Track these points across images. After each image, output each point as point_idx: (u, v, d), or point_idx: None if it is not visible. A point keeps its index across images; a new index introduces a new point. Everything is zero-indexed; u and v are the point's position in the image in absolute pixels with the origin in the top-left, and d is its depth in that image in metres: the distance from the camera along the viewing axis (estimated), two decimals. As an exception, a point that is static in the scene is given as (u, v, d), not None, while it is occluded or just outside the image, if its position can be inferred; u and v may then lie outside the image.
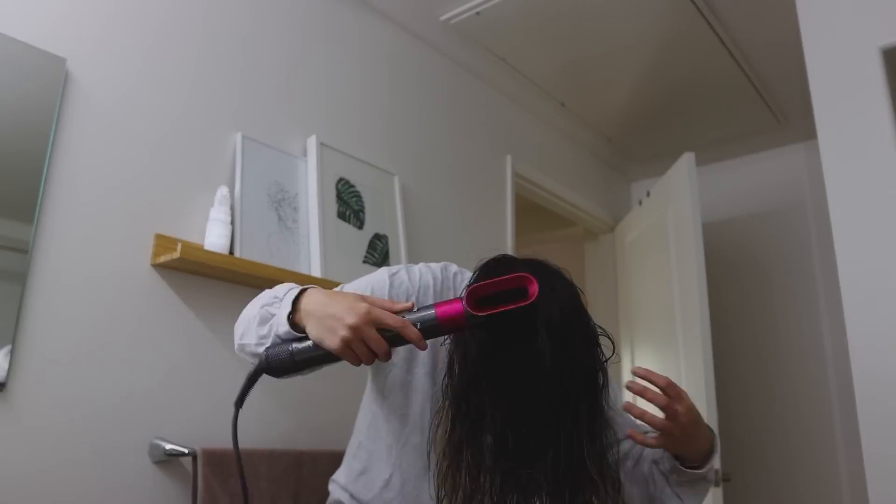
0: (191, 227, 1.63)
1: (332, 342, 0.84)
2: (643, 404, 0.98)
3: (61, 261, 1.40)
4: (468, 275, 1.12)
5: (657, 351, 2.77)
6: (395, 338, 0.85)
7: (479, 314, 0.81)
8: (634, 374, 0.95)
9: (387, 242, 2.03)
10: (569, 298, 0.91)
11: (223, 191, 1.65)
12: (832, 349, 2.81)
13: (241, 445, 1.60)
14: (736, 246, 3.17)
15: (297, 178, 1.86)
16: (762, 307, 3.04)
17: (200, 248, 1.57)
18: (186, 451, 1.46)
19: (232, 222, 1.65)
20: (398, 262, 2.04)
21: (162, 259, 1.52)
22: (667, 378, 0.96)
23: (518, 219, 2.74)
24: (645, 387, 0.94)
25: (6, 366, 1.27)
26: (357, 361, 0.86)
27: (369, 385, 1.15)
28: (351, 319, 0.83)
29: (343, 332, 0.83)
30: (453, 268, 1.13)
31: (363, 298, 0.87)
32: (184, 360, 1.57)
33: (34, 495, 1.29)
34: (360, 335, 0.83)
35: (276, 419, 1.71)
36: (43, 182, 1.38)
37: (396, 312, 0.86)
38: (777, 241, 3.07)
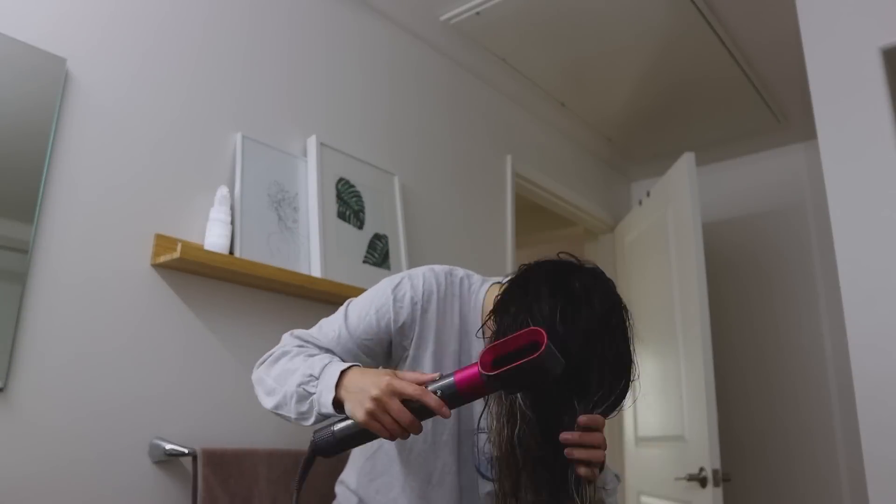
0: (191, 227, 1.63)
1: (359, 416, 0.90)
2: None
3: (61, 261, 1.40)
4: (475, 279, 1.12)
5: (657, 351, 2.77)
6: (420, 410, 0.89)
7: (494, 374, 0.83)
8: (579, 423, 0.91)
9: (387, 242, 2.03)
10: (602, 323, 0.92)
11: (223, 191, 1.65)
12: (832, 349, 2.81)
13: (240, 445, 1.60)
14: (736, 246, 3.17)
15: (297, 178, 1.86)
16: (762, 307, 3.04)
17: (200, 248, 1.57)
18: (186, 451, 1.46)
19: (232, 222, 1.65)
20: (398, 262, 2.04)
21: (162, 259, 1.52)
22: (595, 436, 0.91)
23: (518, 219, 2.74)
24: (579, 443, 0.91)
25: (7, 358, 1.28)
26: (386, 434, 0.90)
27: None
28: (374, 392, 0.88)
29: (368, 405, 0.88)
30: (459, 272, 1.13)
31: (389, 372, 0.91)
32: (184, 360, 1.57)
33: (34, 495, 1.29)
34: (382, 407, 0.88)
35: (276, 419, 1.71)
36: (43, 182, 1.38)
37: (421, 383, 0.90)
38: (777, 241, 3.07)
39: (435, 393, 0.88)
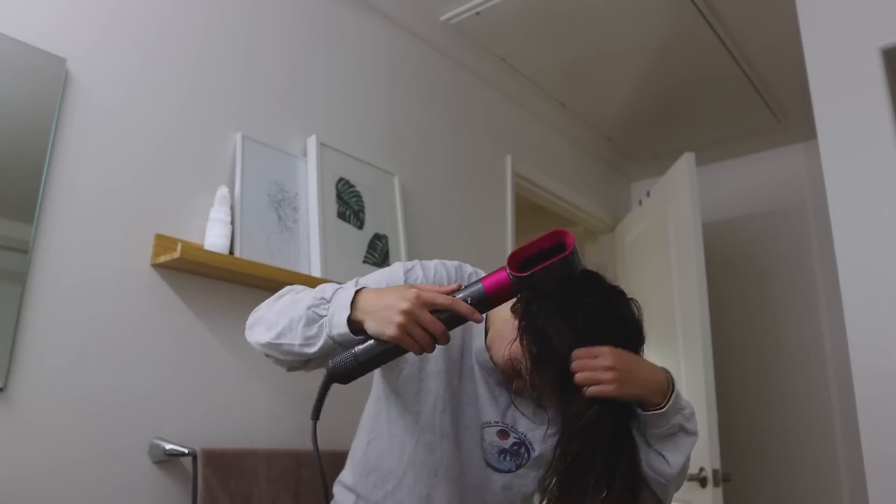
0: (191, 227, 1.63)
1: (390, 331, 0.86)
2: None
3: (61, 261, 1.40)
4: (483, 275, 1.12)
5: (657, 351, 2.76)
6: (449, 319, 0.88)
7: (524, 274, 0.85)
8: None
9: (387, 242, 2.03)
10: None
11: (223, 191, 1.65)
12: (832, 349, 2.81)
13: (240, 446, 1.60)
14: (736, 246, 3.17)
15: (297, 178, 1.86)
16: (762, 307, 3.04)
17: (200, 248, 1.57)
18: (186, 451, 1.46)
19: (232, 222, 1.65)
20: (398, 262, 2.04)
21: (162, 259, 1.52)
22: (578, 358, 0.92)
23: (518, 219, 2.74)
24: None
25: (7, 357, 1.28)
26: (417, 347, 0.88)
27: (378, 383, 1.15)
28: (403, 305, 0.86)
29: (398, 318, 0.86)
30: (468, 268, 1.14)
31: (411, 286, 0.90)
32: (184, 360, 1.57)
33: (34, 495, 1.29)
34: (414, 319, 0.86)
35: (276, 419, 1.71)
36: (43, 182, 1.38)
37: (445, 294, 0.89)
38: (777, 241, 3.07)
39: (465, 301, 0.87)
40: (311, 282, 1.72)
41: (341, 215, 1.92)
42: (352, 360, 0.90)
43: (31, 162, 1.36)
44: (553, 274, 0.85)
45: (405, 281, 1.07)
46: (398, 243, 2.07)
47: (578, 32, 2.36)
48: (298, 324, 0.95)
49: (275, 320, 0.98)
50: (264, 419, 1.69)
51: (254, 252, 1.66)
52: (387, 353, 0.90)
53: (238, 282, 1.68)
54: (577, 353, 0.91)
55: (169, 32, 1.67)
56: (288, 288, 1.05)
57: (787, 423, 2.87)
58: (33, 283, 1.35)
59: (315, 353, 0.95)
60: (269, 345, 0.99)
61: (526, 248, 0.87)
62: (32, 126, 1.38)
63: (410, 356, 1.03)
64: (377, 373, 1.14)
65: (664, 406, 0.95)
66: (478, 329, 1.08)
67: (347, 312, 0.90)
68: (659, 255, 2.76)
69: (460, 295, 0.89)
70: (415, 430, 1.06)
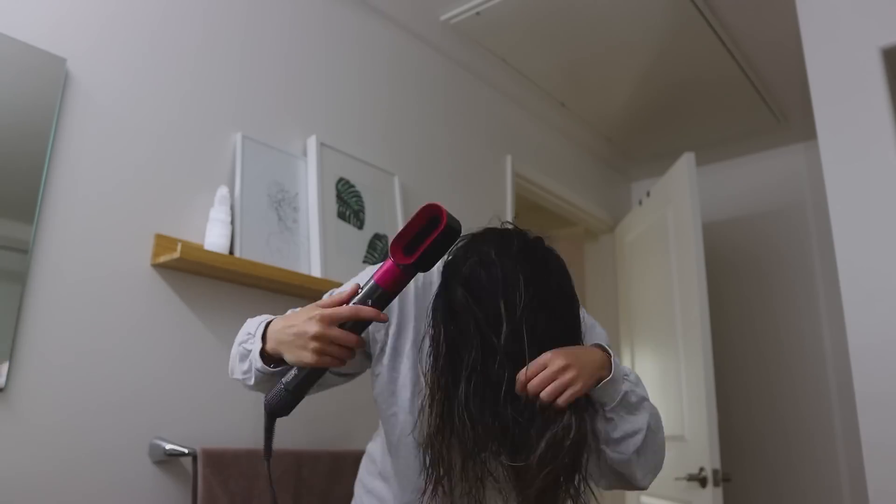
0: (191, 227, 1.63)
1: (307, 358, 0.89)
2: None
3: (61, 261, 1.40)
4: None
5: (657, 351, 2.77)
6: (356, 325, 0.90)
7: (410, 261, 0.87)
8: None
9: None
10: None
11: (223, 191, 1.65)
12: (832, 349, 2.81)
13: (240, 446, 1.60)
14: (736, 246, 3.17)
15: (297, 178, 1.86)
16: (762, 307, 3.04)
17: (200, 248, 1.57)
18: (186, 451, 1.46)
19: (232, 222, 1.65)
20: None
21: (162, 259, 1.52)
22: (524, 382, 0.90)
23: (518, 219, 2.74)
24: (524, 385, 0.90)
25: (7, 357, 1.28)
26: (339, 363, 0.90)
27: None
28: (312, 330, 0.88)
29: (312, 345, 0.88)
30: (438, 263, 1.13)
31: (313, 307, 0.92)
32: (184, 360, 1.57)
33: (34, 495, 1.29)
34: (326, 339, 0.88)
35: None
36: (43, 182, 1.38)
37: (347, 301, 0.91)
38: (777, 241, 3.07)
39: (365, 303, 0.89)
40: (311, 282, 1.72)
41: (341, 215, 1.92)
42: (283, 391, 0.93)
43: (31, 162, 1.36)
44: (437, 248, 0.87)
45: None
46: (398, 243, 2.07)
47: (578, 32, 2.36)
48: (236, 360, 1.02)
49: (231, 356, 1.05)
50: (264, 419, 1.69)
51: (254, 252, 1.66)
52: (312, 376, 0.93)
53: (238, 282, 1.68)
54: (522, 375, 0.89)
55: (169, 32, 1.67)
56: (249, 320, 1.09)
57: (787, 423, 2.87)
58: (33, 283, 1.35)
59: (254, 386, 1.00)
60: (239, 381, 1.04)
61: (404, 231, 0.88)
62: (32, 126, 1.38)
63: (385, 359, 1.03)
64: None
65: (611, 373, 0.95)
66: None
67: (260, 345, 0.95)
68: (659, 256, 2.76)
69: (358, 299, 0.90)
70: (395, 433, 1.04)
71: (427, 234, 0.86)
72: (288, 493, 1.57)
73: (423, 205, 0.88)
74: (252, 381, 1.00)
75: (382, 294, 0.90)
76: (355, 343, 0.90)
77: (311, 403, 1.80)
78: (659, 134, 3.12)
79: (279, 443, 1.68)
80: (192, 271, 1.60)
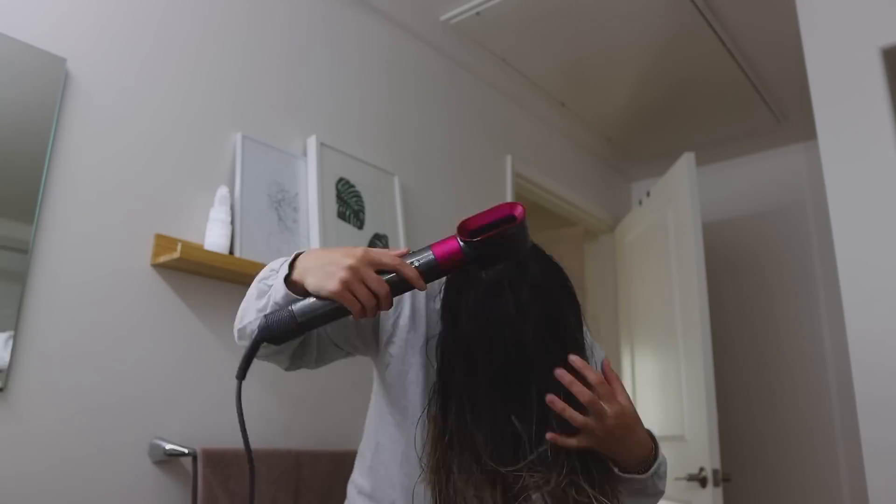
0: (191, 227, 1.63)
1: (330, 285, 0.82)
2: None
3: (61, 261, 1.40)
4: None
5: (657, 351, 2.77)
6: (395, 284, 0.84)
7: (474, 241, 0.81)
8: (571, 363, 0.87)
9: (387, 242, 2.03)
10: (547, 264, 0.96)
11: (223, 191, 1.65)
12: (832, 349, 2.81)
13: (240, 445, 1.60)
14: (736, 246, 3.17)
15: (297, 178, 1.86)
16: (762, 307, 3.04)
17: (200, 248, 1.57)
18: (186, 451, 1.46)
19: (232, 222, 1.65)
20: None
21: (162, 259, 1.52)
22: (600, 375, 0.89)
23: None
24: (574, 379, 0.87)
25: (7, 357, 1.27)
26: (358, 307, 0.83)
27: (375, 380, 1.13)
28: (349, 261, 0.82)
29: (342, 274, 0.81)
30: None
31: (359, 247, 0.86)
32: (184, 360, 1.57)
33: (34, 495, 1.29)
34: (359, 276, 0.82)
35: (276, 419, 1.71)
36: (43, 182, 1.38)
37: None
38: (777, 241, 3.07)
39: (412, 265, 0.83)
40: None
41: (341, 215, 1.92)
42: (288, 317, 0.84)
43: (31, 162, 1.36)
44: (502, 243, 0.81)
45: None
46: (398, 243, 2.07)
47: (578, 32, 2.36)
48: (252, 299, 0.92)
49: (239, 311, 0.96)
50: (264, 419, 1.69)
51: (254, 252, 1.66)
52: (327, 311, 0.84)
53: (238, 282, 1.68)
54: (601, 384, 0.87)
55: (169, 32, 1.67)
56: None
57: (787, 423, 2.87)
58: (33, 283, 1.35)
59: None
60: (239, 333, 0.95)
61: (478, 217, 0.83)
62: (32, 126, 1.38)
63: (395, 350, 1.00)
64: (373, 371, 1.12)
65: (644, 474, 0.92)
66: None
67: (286, 272, 0.87)
68: (659, 255, 2.76)
69: (409, 259, 0.84)
70: (404, 426, 1.02)
71: (497, 227, 0.81)
72: (288, 493, 1.56)
73: (508, 202, 0.83)
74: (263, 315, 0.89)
75: (432, 266, 0.83)
76: (385, 294, 0.82)
77: (311, 403, 1.80)
78: (659, 134, 3.12)
79: (279, 443, 1.68)
80: (192, 271, 1.60)
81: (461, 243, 0.82)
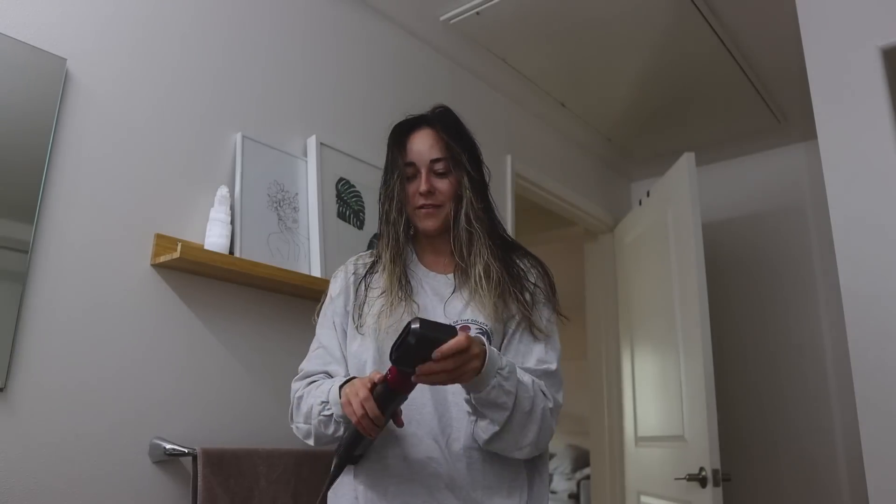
0: (191, 227, 1.63)
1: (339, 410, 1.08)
2: None
3: (61, 261, 1.40)
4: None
5: (657, 351, 2.77)
6: (383, 395, 1.00)
7: (398, 371, 0.97)
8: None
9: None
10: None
11: (223, 191, 1.65)
12: (832, 349, 2.81)
13: (240, 445, 1.60)
14: (736, 246, 3.17)
15: (297, 178, 1.86)
16: (762, 307, 3.04)
17: (200, 248, 1.57)
18: (186, 451, 1.46)
19: (232, 222, 1.66)
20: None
21: (162, 259, 1.52)
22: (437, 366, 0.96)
23: (518, 219, 2.74)
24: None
25: (7, 357, 1.27)
26: (355, 419, 1.01)
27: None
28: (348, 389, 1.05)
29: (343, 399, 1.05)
30: (350, 267, 1.32)
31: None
32: (184, 359, 1.57)
33: (34, 495, 1.29)
34: (354, 392, 1.02)
35: (276, 419, 1.71)
36: (43, 182, 1.38)
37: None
38: (777, 241, 3.07)
39: (384, 402, 0.99)
40: (311, 282, 1.72)
41: (341, 215, 1.92)
42: (338, 444, 1.09)
43: (31, 162, 1.36)
44: (415, 350, 0.93)
45: (331, 280, 1.33)
46: (398, 243, 2.07)
47: (578, 32, 2.36)
48: (321, 427, 1.13)
49: (307, 430, 1.17)
50: (264, 419, 1.69)
51: (254, 252, 1.66)
52: (353, 436, 1.04)
53: (238, 282, 1.68)
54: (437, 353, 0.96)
55: (169, 32, 1.67)
56: (294, 388, 1.24)
57: (787, 423, 2.87)
58: (33, 283, 1.35)
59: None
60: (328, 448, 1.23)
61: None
62: (32, 126, 1.38)
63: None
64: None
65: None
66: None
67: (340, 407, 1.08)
68: (659, 256, 2.76)
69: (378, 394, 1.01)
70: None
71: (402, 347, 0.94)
72: (288, 494, 1.57)
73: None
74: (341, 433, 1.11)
75: (389, 393, 0.99)
76: (371, 411, 0.99)
77: (311, 403, 1.80)
78: (659, 134, 3.12)
79: (279, 443, 1.68)
80: (192, 271, 1.60)
81: (397, 371, 0.97)
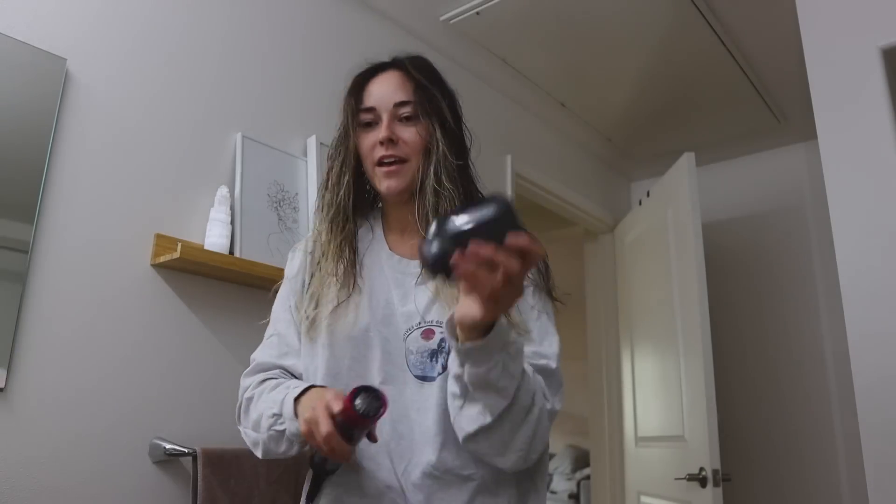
0: (191, 227, 1.63)
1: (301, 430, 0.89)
2: None
3: (61, 261, 1.40)
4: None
5: (657, 351, 2.77)
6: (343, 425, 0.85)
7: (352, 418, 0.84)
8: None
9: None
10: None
11: (223, 191, 1.65)
12: (832, 349, 2.81)
13: (240, 445, 1.60)
14: (736, 246, 3.17)
15: (297, 178, 1.86)
16: (762, 307, 3.04)
17: (200, 248, 1.57)
18: (186, 450, 1.46)
19: (232, 222, 1.66)
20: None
21: (162, 259, 1.52)
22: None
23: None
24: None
25: (7, 357, 1.27)
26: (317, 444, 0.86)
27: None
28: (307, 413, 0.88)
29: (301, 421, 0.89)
30: (298, 249, 1.16)
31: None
32: (184, 360, 1.57)
33: (34, 495, 1.29)
34: (315, 419, 0.85)
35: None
36: (43, 182, 1.38)
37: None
38: (777, 241, 3.07)
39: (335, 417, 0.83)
40: (311, 282, 1.72)
41: (341, 215, 1.92)
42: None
43: (31, 162, 1.36)
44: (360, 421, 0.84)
45: (287, 261, 1.16)
46: (398, 243, 2.07)
47: (578, 32, 2.36)
48: (271, 443, 0.98)
49: (255, 438, 1.02)
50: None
51: (254, 252, 1.66)
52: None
53: (238, 282, 1.68)
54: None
55: (169, 33, 1.67)
56: (243, 385, 1.09)
57: (787, 423, 2.87)
58: (33, 283, 1.35)
59: (300, 450, 0.97)
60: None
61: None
62: (32, 126, 1.38)
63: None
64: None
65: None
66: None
67: (296, 424, 0.91)
68: (659, 255, 2.76)
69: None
70: (344, 364, 0.99)
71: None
72: (288, 494, 1.56)
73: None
74: (294, 451, 0.96)
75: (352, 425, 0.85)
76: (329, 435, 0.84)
77: (311, 403, 1.80)
78: (659, 134, 3.12)
79: (279, 443, 1.68)
80: (192, 271, 1.60)
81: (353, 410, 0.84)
